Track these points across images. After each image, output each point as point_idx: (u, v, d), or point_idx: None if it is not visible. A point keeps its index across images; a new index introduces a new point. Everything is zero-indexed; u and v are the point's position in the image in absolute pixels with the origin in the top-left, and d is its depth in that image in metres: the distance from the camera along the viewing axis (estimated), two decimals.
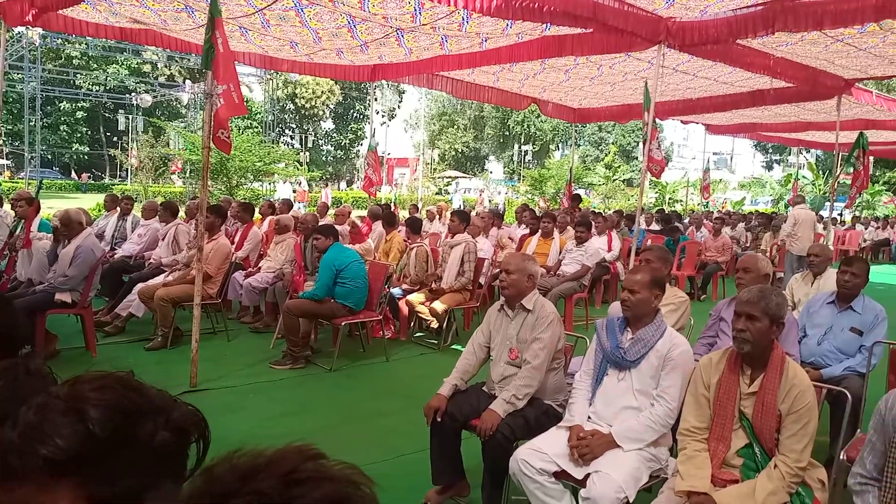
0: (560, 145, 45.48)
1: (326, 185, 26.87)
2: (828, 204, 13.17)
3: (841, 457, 3.07)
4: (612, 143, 39.72)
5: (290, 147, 43.32)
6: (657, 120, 15.62)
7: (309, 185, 32.18)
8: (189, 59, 31.90)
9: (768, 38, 6.96)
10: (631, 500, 2.66)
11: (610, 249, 8.91)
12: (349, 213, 9.27)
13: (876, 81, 17.87)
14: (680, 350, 2.91)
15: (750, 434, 2.50)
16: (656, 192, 27.90)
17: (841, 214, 24.08)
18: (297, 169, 27.76)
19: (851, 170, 11.43)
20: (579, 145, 42.09)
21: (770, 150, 44.84)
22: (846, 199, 14.26)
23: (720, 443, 2.53)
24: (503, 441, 3.11)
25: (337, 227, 7.35)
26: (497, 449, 3.11)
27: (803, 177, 27.10)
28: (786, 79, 8.63)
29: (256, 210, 9.53)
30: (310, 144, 46.40)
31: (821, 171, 29.55)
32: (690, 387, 2.70)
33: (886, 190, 29.57)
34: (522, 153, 44.13)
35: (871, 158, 24.68)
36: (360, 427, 4.63)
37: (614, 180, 28.60)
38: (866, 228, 19.92)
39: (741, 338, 2.53)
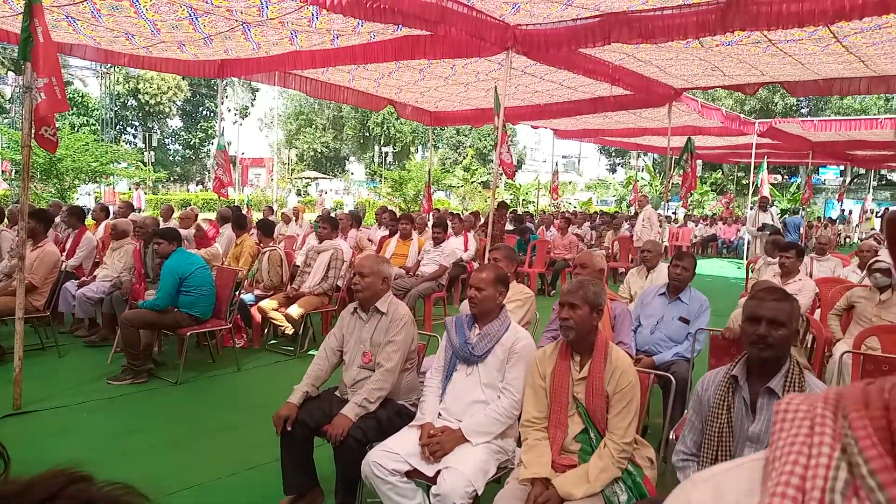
0: (420, 147, 46.03)
1: (137, 187, 24.60)
2: (664, 203, 14.36)
3: (670, 436, 3.32)
4: (470, 147, 40.84)
5: (133, 146, 40.41)
6: (509, 124, 16.20)
7: (154, 187, 30.22)
8: (14, 50, 28.87)
9: (609, 46, 7.47)
10: (480, 493, 2.72)
11: (466, 249, 9.12)
12: (196, 216, 8.78)
13: (703, 91, 19.75)
14: (523, 343, 3.03)
15: (585, 418, 2.65)
16: (510, 194, 29.02)
17: (675, 213, 26.34)
18: (141, 169, 25.94)
19: (682, 172, 12.57)
20: (438, 148, 42.83)
21: (613, 154, 48.10)
22: (679, 199, 15.62)
23: (558, 429, 2.65)
24: (355, 444, 3.07)
25: (182, 231, 6.93)
26: (349, 453, 3.06)
27: (642, 178, 29.36)
28: (623, 86, 9.28)
29: (89, 215, 8.76)
30: (155, 143, 43.54)
31: (657, 173, 32.17)
32: (528, 378, 2.82)
33: (712, 190, 32.70)
34: (383, 154, 44.18)
35: (700, 162, 27.37)
36: (210, 441, 4.40)
37: (472, 182, 29.39)
38: (696, 225, 21.92)
39: (566, 325, 2.70)
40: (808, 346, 4.57)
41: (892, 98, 31.09)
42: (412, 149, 45.46)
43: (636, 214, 14.78)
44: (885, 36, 6.69)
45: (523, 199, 29.02)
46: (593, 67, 8.45)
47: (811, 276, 6.95)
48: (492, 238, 7.07)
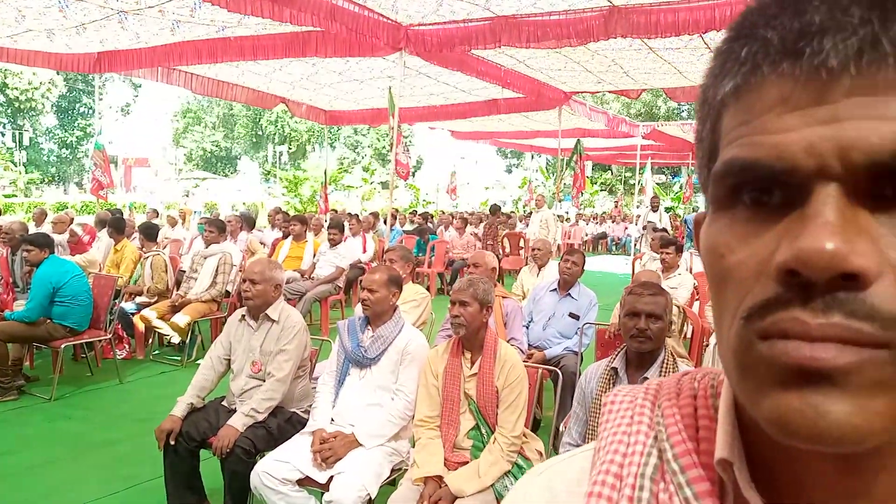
0: (316, 147, 45.23)
1: None
2: (556, 203, 14.84)
3: (560, 428, 3.42)
4: (369, 147, 40.59)
5: (2, 145, 37.27)
6: (406, 125, 16.21)
7: (27, 189, 28.04)
8: None
9: (501, 51, 7.64)
10: (373, 496, 2.69)
11: (365, 251, 9.04)
12: (71, 220, 8.19)
13: (592, 95, 20.63)
14: (416, 344, 3.03)
15: (476, 415, 2.68)
16: (412, 194, 29.10)
17: (566, 212, 27.28)
18: (11, 170, 23.97)
19: (573, 172, 13.05)
20: (334, 147, 42.27)
21: (509, 155, 49.29)
22: (570, 199, 16.23)
23: (450, 427, 2.68)
24: (243, 455, 2.96)
25: (55, 236, 6.44)
26: (237, 464, 2.95)
27: (536, 179, 30.26)
28: (515, 90, 9.52)
29: None
30: (27, 142, 40.37)
31: (550, 174, 33.25)
32: (421, 378, 2.83)
33: (602, 190, 34.19)
34: (278, 154, 43.05)
35: (590, 163, 28.55)
36: (90, 458, 4.12)
37: (371, 183, 29.22)
38: (588, 224, 22.84)
39: (457, 322, 2.74)
40: (688, 336, 4.85)
41: None
42: (308, 148, 44.60)
43: (530, 214, 15.19)
44: None
45: (424, 200, 29.16)
46: (486, 70, 8.62)
47: (691, 271, 7.40)
48: (484, 245, 6.89)
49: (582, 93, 11.13)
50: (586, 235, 21.54)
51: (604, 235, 22.05)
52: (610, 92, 11.02)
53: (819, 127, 0.36)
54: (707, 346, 5.03)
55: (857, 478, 0.39)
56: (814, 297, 0.35)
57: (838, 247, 0.34)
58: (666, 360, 2.33)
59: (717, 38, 6.92)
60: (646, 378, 2.34)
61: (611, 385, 2.37)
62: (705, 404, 0.48)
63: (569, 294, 4.86)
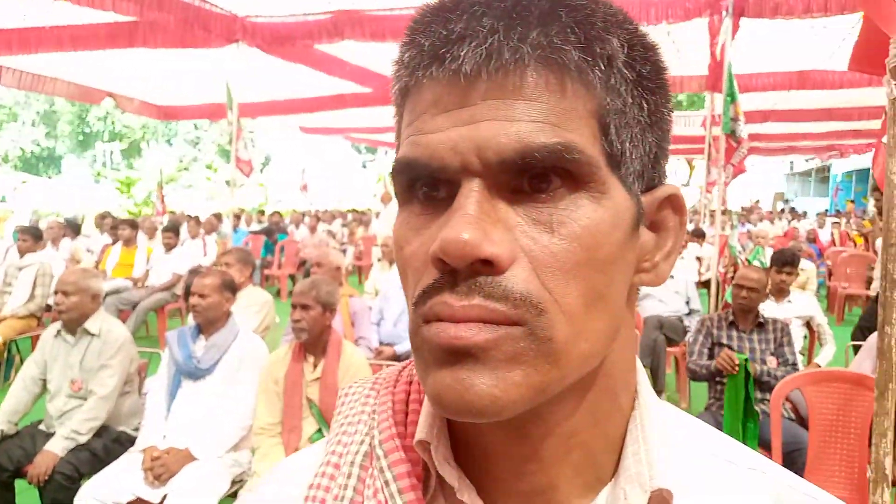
0: (152, 143, 42.28)
1: None
2: None
3: None
4: (212, 143, 38.58)
5: None
6: (251, 118, 15.62)
7: None
8: None
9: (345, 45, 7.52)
10: None
11: (206, 254, 8.59)
12: None
13: None
14: (254, 350, 2.92)
15: (318, 419, 2.64)
16: (261, 193, 28.08)
17: None
18: None
19: None
20: (172, 144, 39.79)
21: (363, 151, 49.02)
22: None
23: (292, 433, 2.61)
24: (65, 481, 2.70)
25: None
26: (58, 492, 2.70)
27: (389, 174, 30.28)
28: (362, 84, 9.45)
29: None
30: None
31: None
32: (261, 385, 2.73)
33: None
34: (108, 153, 39.72)
35: None
36: None
37: (216, 181, 27.84)
38: None
39: (298, 327, 2.66)
40: None
41: None
42: (143, 145, 41.60)
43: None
44: None
45: (275, 199, 28.24)
46: (330, 64, 8.47)
47: None
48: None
49: None
50: None
51: None
52: None
53: (462, 128, 0.39)
54: None
55: (526, 444, 0.43)
56: (458, 282, 0.38)
57: (472, 236, 0.37)
58: None
59: None
60: None
61: None
62: (417, 389, 0.51)
63: None
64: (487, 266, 0.37)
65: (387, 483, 0.45)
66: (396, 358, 4.36)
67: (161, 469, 2.60)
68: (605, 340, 0.42)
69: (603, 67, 0.39)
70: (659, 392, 4.86)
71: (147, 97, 11.25)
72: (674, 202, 0.46)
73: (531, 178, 0.39)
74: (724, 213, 5.86)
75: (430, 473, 0.46)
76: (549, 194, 0.39)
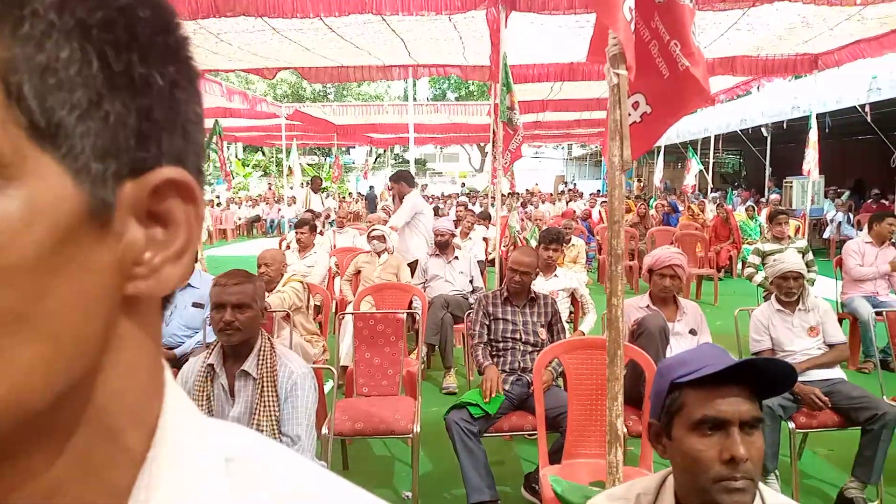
0: None
1: None
2: (206, 187, 14.01)
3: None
4: None
5: None
6: None
7: None
8: None
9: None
10: None
11: None
12: None
13: (236, 74, 19.89)
14: None
15: None
16: None
17: (218, 196, 26.11)
18: None
19: (215, 155, 12.43)
20: None
21: None
22: (223, 182, 15.49)
23: None
24: None
25: None
26: None
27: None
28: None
29: None
30: None
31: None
32: None
33: (255, 172, 33.57)
34: None
35: (241, 144, 27.73)
36: None
37: None
38: (239, 208, 22.21)
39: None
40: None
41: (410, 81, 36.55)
42: None
43: None
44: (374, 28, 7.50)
45: None
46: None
47: (335, 247, 7.70)
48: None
49: (219, 71, 10.64)
50: (239, 220, 20.99)
51: (258, 218, 21.74)
52: (244, 71, 10.73)
53: None
54: (343, 317, 5.28)
55: None
56: None
57: None
58: (263, 348, 2.31)
59: (337, 21, 7.17)
60: (244, 371, 2.29)
61: (209, 383, 2.26)
62: None
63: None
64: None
65: None
66: (175, 361, 4.07)
67: None
68: (51, 374, 0.32)
69: (3, 7, 0.30)
70: (448, 367, 5.06)
71: None
72: (180, 189, 0.36)
73: None
74: (506, 196, 6.23)
75: None
76: None
